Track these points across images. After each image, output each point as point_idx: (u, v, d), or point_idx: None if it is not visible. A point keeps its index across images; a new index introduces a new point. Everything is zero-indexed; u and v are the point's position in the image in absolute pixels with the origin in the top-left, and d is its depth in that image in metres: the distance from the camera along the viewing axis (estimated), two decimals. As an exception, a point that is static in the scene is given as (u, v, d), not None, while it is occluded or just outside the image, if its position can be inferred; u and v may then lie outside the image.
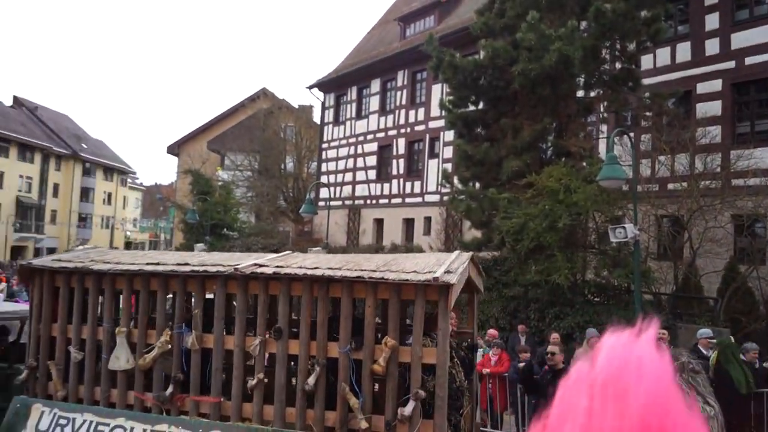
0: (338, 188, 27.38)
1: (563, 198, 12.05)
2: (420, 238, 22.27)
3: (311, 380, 5.46)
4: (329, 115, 29.36)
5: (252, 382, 5.77)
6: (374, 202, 25.84)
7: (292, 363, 5.92)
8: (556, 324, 12.53)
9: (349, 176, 27.25)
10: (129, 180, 73.44)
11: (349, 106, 28.04)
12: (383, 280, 5.32)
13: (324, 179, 27.89)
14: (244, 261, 6.13)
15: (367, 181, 26.25)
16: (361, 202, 26.39)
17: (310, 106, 36.93)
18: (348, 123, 27.81)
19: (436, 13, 25.21)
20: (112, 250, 8.63)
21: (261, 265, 5.90)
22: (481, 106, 15.22)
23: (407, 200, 24.16)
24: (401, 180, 24.52)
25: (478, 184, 15.22)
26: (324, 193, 27.37)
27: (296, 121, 33.95)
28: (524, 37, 12.77)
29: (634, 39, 13.67)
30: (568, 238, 12.61)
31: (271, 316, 6.23)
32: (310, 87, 30.14)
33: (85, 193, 61.40)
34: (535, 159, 13.96)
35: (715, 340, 9.35)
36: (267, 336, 5.87)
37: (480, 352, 11.51)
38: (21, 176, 52.57)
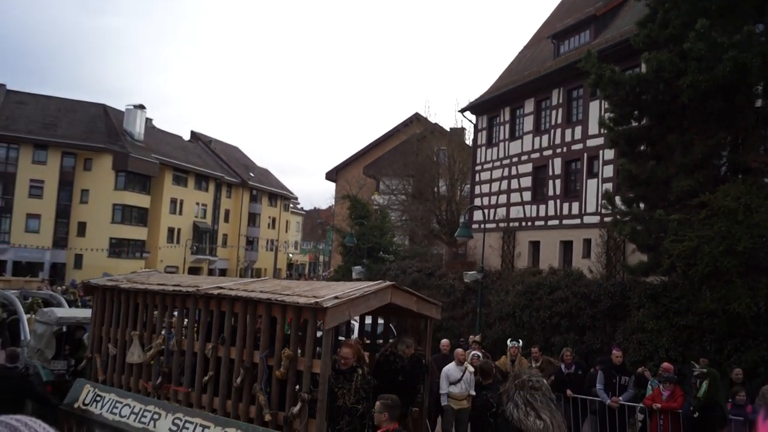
0: (492, 211, 27.01)
1: (743, 218, 11.01)
2: (579, 261, 21.35)
3: (238, 380, 7.04)
4: (482, 138, 29.14)
5: (205, 378, 7.57)
6: (530, 224, 25.18)
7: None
8: (736, 357, 11.43)
9: (503, 198, 26.81)
10: (291, 205, 77.60)
11: (502, 127, 27.69)
12: (282, 303, 6.70)
13: (477, 202, 27.68)
14: (210, 284, 8.04)
15: (522, 203, 25.67)
16: (516, 224, 25.83)
17: (463, 129, 36.93)
18: (501, 144, 27.44)
19: (592, 27, 24.27)
20: (158, 273, 11.92)
21: (221, 287, 7.67)
22: (644, 122, 14.35)
23: (564, 222, 23.28)
24: (558, 201, 23.72)
25: (643, 205, 14.32)
26: (478, 215, 27.16)
27: (448, 145, 34.12)
28: (693, 47, 11.92)
29: (824, 40, 12.29)
30: (750, 262, 11.46)
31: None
32: (462, 110, 30.16)
33: (252, 218, 65.77)
34: (708, 177, 12.88)
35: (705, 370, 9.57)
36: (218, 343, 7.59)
37: (648, 385, 10.80)
38: (197, 203, 57.53)
